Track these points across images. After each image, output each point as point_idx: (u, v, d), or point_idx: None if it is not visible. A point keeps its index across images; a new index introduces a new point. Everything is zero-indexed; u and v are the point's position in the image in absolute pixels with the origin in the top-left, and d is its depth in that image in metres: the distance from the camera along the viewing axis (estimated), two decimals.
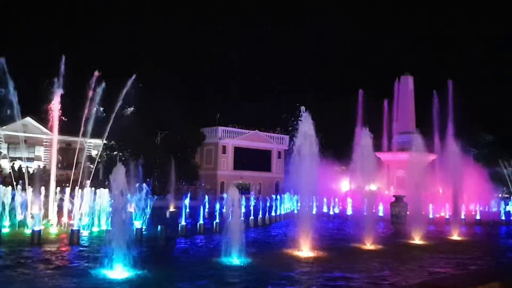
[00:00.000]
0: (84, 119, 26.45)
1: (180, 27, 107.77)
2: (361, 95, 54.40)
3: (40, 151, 45.02)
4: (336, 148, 50.42)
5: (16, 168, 39.16)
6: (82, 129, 26.54)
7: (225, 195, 33.03)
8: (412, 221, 24.19)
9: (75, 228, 19.32)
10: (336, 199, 41.01)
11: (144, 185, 25.18)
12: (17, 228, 21.45)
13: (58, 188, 24.41)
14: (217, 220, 25.34)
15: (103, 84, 26.43)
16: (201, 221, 24.44)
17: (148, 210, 24.05)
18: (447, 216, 34.27)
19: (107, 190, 23.85)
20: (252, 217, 28.93)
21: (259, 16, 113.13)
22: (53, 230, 21.67)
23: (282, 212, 34.06)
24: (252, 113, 75.71)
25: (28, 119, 42.09)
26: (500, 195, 56.28)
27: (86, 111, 26.35)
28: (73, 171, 26.17)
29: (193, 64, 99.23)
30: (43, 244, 17.76)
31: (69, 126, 27.14)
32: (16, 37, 78.66)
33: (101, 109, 26.01)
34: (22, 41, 74.72)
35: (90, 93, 26.28)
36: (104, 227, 21.96)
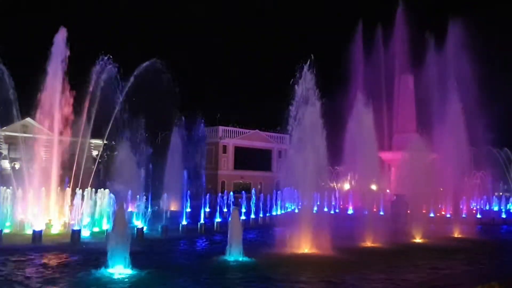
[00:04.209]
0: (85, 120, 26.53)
1: (181, 26, 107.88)
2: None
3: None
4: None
5: (17, 169, 39.24)
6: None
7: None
8: (413, 220, 24.20)
9: (76, 228, 19.37)
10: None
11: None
12: (18, 228, 21.49)
13: (59, 188, 24.43)
14: (218, 219, 25.39)
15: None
16: (201, 221, 24.50)
17: (149, 210, 24.12)
18: (448, 215, 34.26)
19: (107, 190, 23.88)
20: (253, 216, 29.01)
21: (260, 15, 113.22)
22: (54, 230, 21.69)
23: (282, 212, 34.10)
24: (253, 113, 75.75)
25: (28, 120, 42.13)
26: (500, 193, 56.25)
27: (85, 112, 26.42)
28: (73, 171, 26.18)
29: (194, 63, 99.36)
30: (44, 244, 17.78)
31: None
32: (16, 36, 78.75)
33: None
34: (22, 41, 74.83)
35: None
36: (104, 227, 21.97)
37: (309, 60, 18.83)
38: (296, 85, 18.90)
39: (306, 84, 18.80)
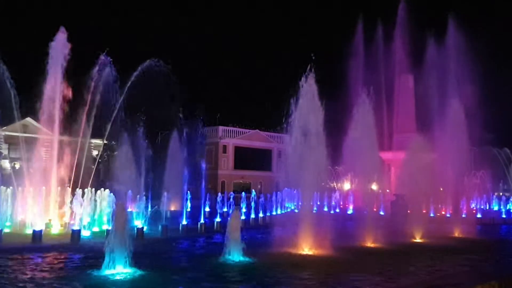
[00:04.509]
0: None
1: (181, 26, 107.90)
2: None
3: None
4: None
5: (17, 169, 39.29)
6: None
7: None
8: (413, 220, 24.19)
9: (75, 228, 19.37)
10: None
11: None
12: (18, 228, 21.50)
13: (59, 188, 24.44)
14: (218, 219, 25.39)
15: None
16: (201, 221, 24.52)
17: (149, 210, 24.13)
18: (448, 215, 34.27)
19: (107, 190, 23.90)
20: (253, 216, 29.02)
21: (259, 13, 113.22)
22: (54, 230, 21.70)
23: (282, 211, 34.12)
24: (253, 113, 75.76)
25: (29, 120, 42.15)
26: (500, 193, 56.23)
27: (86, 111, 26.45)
28: (73, 171, 26.21)
29: (194, 63, 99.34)
30: (44, 244, 17.79)
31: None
32: (17, 36, 78.74)
33: None
34: (22, 41, 74.82)
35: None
36: (104, 227, 21.98)
37: (310, 65, 18.85)
38: (296, 85, 18.91)
39: (306, 83, 18.81)
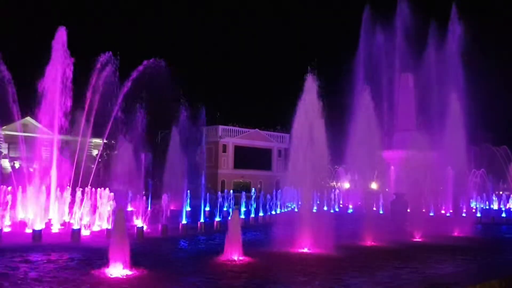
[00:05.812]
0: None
1: (181, 25, 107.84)
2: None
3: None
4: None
5: (16, 168, 39.30)
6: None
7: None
8: (412, 219, 24.19)
9: (75, 227, 19.36)
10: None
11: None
12: (18, 228, 21.48)
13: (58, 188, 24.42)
14: (218, 219, 25.39)
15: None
16: (201, 220, 24.51)
17: (149, 209, 24.12)
18: (447, 214, 34.27)
19: (107, 189, 23.88)
20: (253, 215, 29.01)
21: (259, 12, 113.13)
22: (54, 230, 21.68)
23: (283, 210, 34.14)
24: (252, 112, 75.73)
25: (28, 119, 42.15)
26: (501, 192, 56.23)
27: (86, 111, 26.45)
28: (73, 171, 26.20)
29: (194, 63, 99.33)
30: (43, 243, 17.78)
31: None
32: (17, 35, 78.69)
33: None
34: (23, 40, 74.75)
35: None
36: (104, 226, 21.95)
37: (311, 65, 18.88)
38: (298, 85, 18.91)
39: (308, 84, 18.79)
